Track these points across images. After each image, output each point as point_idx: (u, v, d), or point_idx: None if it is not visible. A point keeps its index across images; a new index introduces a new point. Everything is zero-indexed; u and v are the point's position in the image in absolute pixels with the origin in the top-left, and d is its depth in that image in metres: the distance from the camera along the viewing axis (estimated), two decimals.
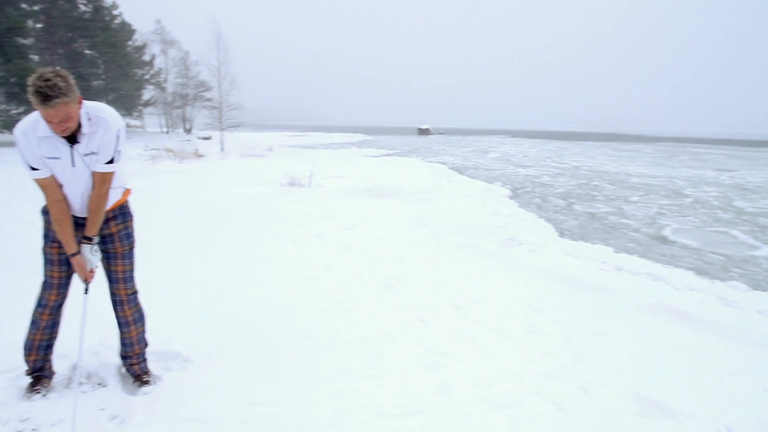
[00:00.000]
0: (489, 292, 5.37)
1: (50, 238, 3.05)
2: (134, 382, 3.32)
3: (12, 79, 28.42)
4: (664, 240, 9.58)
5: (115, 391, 3.24)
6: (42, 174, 2.81)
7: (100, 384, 3.33)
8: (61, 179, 2.87)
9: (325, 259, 6.34)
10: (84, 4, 41.04)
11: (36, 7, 35.78)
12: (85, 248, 2.98)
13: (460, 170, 20.93)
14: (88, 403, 3.07)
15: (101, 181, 2.91)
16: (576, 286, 5.91)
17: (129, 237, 3.22)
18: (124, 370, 3.42)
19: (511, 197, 13.78)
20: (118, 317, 3.30)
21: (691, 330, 4.70)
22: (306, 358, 3.73)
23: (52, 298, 3.13)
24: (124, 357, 3.38)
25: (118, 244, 3.17)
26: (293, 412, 3.03)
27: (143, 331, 3.40)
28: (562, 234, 9.55)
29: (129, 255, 3.24)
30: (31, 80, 2.53)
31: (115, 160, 2.89)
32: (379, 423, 2.96)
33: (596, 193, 15.64)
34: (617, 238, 9.54)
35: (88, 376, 3.39)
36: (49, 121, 2.62)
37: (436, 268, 6.17)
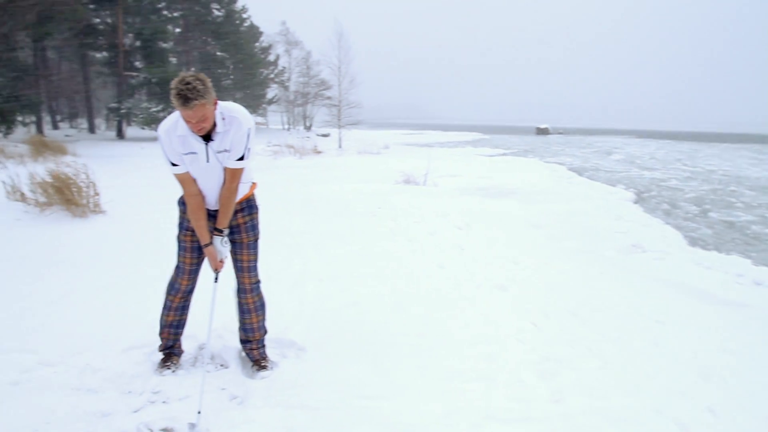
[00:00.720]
0: (608, 299, 5.13)
1: (184, 227, 3.32)
2: (253, 366, 3.51)
3: (153, 80, 30.82)
4: None
5: (236, 373, 3.44)
6: (180, 169, 3.06)
7: (222, 365, 3.56)
8: (196, 174, 3.10)
9: (438, 257, 6.34)
10: (217, 9, 43.74)
11: (176, 14, 38.60)
12: (216, 239, 3.20)
13: (580, 172, 20.11)
14: (211, 382, 3.28)
15: (232, 177, 3.11)
16: (706, 299, 5.50)
17: (254, 228, 3.42)
18: (244, 354, 3.62)
19: (635, 201, 13.04)
20: (240, 304, 3.50)
21: None
22: (416, 356, 3.76)
23: (184, 282, 3.40)
24: (244, 342, 3.58)
25: (244, 235, 3.37)
26: (402, 408, 3.06)
27: (263, 319, 3.58)
28: (692, 243, 8.89)
29: (254, 246, 3.43)
30: (173, 83, 2.76)
31: (245, 157, 3.08)
32: (488, 426, 2.93)
33: (734, 200, 14.36)
34: (760, 251, 8.66)
35: (212, 357, 3.63)
36: (187, 121, 2.84)
37: (551, 272, 5.99)
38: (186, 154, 3.02)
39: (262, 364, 3.51)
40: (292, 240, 6.89)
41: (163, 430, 2.79)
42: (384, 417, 2.97)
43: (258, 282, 3.52)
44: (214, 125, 2.96)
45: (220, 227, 3.20)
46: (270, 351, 3.65)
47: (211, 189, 3.18)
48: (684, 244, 8.57)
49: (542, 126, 75.21)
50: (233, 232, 3.36)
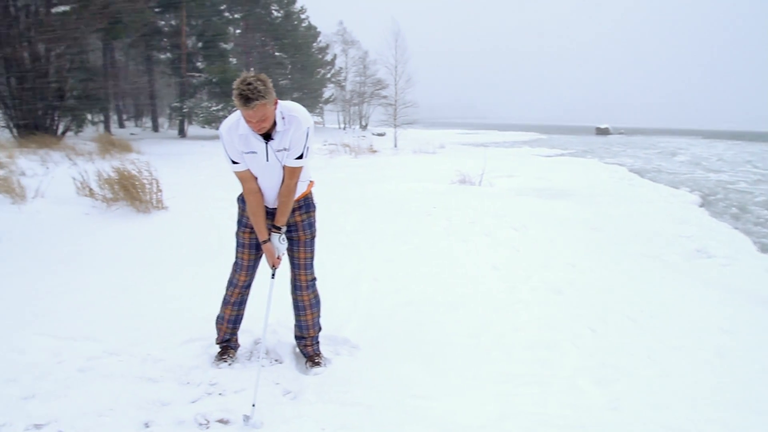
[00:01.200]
0: (670, 306, 4.94)
1: (243, 224, 3.40)
2: (307, 362, 3.55)
3: (214, 80, 31.65)
4: None
5: (290, 369, 3.49)
6: (240, 167, 3.13)
7: (276, 360, 3.62)
8: (256, 172, 3.16)
9: (493, 258, 6.26)
10: (276, 10, 44.54)
11: (236, 15, 39.52)
12: (274, 237, 3.26)
13: (641, 173, 19.48)
14: (266, 377, 3.34)
15: (290, 175, 3.16)
16: None
17: (311, 226, 3.46)
18: (298, 350, 3.67)
19: (701, 205, 12.52)
20: (296, 301, 3.54)
21: None
22: (470, 357, 3.72)
23: (241, 278, 3.48)
24: (299, 338, 3.63)
25: (301, 233, 3.41)
26: (454, 410, 3.04)
27: (318, 316, 3.61)
28: (763, 249, 8.41)
29: (311, 243, 3.47)
30: (236, 84, 2.83)
31: (304, 155, 3.14)
32: None
33: None
34: None
35: (267, 352, 3.69)
36: (248, 121, 2.91)
37: (610, 276, 5.83)
38: (247, 152, 3.09)
39: (316, 360, 3.54)
40: (347, 239, 6.94)
41: (218, 421, 2.86)
42: (436, 417, 2.96)
43: (314, 279, 3.56)
44: (274, 124, 3.02)
45: (279, 224, 3.25)
46: (324, 348, 3.69)
47: (270, 187, 3.24)
48: (754, 250, 8.16)
49: (602, 126, 73.25)
50: (291, 229, 3.41)
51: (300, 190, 3.33)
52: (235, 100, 2.84)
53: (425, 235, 7.31)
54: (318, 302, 3.61)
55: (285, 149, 3.10)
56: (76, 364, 3.40)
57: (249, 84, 2.80)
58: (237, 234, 3.45)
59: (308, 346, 3.60)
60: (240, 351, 3.68)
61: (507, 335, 4.12)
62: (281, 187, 3.22)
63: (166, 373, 3.34)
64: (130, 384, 3.18)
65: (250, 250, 3.43)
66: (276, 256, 3.29)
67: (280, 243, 3.28)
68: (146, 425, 2.80)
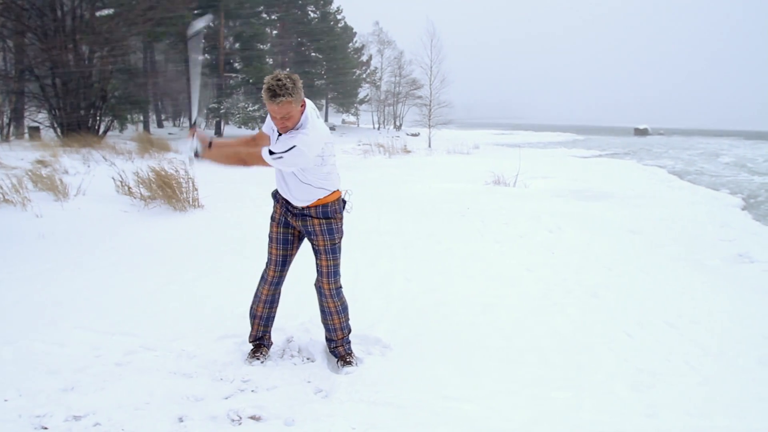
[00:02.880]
0: (710, 312, 4.80)
1: (273, 218, 3.46)
2: (338, 361, 3.55)
3: (250, 80, 32.07)
4: None
5: (321, 367, 3.50)
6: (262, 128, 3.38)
7: (308, 359, 3.64)
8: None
9: (527, 260, 6.19)
10: (313, 11, 44.89)
11: (274, 17, 39.97)
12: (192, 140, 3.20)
13: (681, 175, 19.02)
14: (297, 375, 3.36)
15: (254, 143, 3.42)
16: None
17: (332, 233, 3.38)
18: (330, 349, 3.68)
19: (743, 208, 12.16)
20: (322, 305, 3.54)
21: None
22: (503, 360, 3.68)
23: (271, 273, 3.51)
24: (328, 340, 3.63)
25: (320, 238, 3.38)
26: (486, 412, 3.01)
27: (346, 319, 3.59)
28: None
29: (332, 251, 3.41)
30: (266, 78, 2.91)
31: (281, 155, 3.02)
32: None
33: None
34: None
35: (299, 350, 3.72)
36: (273, 117, 2.99)
37: (648, 279, 5.70)
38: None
39: (347, 360, 3.55)
40: (380, 239, 6.94)
41: (251, 417, 2.89)
42: (468, 419, 2.94)
43: (339, 288, 3.52)
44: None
45: (212, 141, 3.21)
46: (355, 347, 3.69)
47: (284, 179, 3.30)
48: None
49: (641, 127, 71.81)
50: (309, 234, 3.41)
51: (315, 197, 3.28)
52: (263, 94, 2.91)
53: (458, 236, 7.27)
54: (345, 308, 3.58)
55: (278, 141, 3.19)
56: (113, 358, 3.48)
57: (279, 80, 2.86)
58: (270, 228, 3.51)
59: (339, 347, 3.60)
60: (272, 349, 3.71)
61: (541, 338, 4.07)
62: (248, 143, 3.45)
63: (200, 369, 3.39)
64: (165, 379, 3.24)
65: (278, 245, 3.45)
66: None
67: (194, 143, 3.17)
68: (180, 420, 2.84)
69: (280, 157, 3.02)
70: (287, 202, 3.36)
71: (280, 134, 3.12)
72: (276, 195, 3.44)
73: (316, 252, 3.45)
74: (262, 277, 3.57)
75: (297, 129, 3.06)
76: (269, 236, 3.49)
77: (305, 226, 3.37)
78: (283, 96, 2.86)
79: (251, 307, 3.63)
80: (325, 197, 3.32)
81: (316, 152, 3.10)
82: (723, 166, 23.81)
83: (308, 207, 3.30)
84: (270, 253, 3.50)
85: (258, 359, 3.52)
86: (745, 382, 3.53)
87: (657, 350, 3.93)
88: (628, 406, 3.15)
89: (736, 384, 3.49)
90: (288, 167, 3.12)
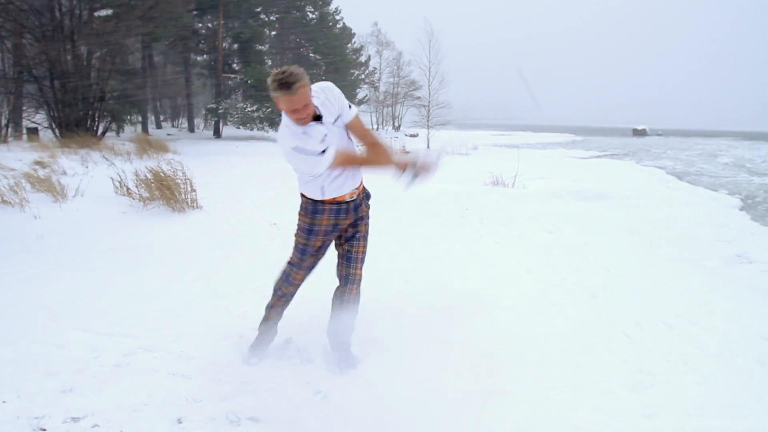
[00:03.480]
0: (708, 312, 4.80)
1: (316, 232, 3.34)
2: (340, 361, 3.55)
3: (249, 81, 32.06)
4: None
5: (320, 368, 3.50)
6: (326, 153, 2.99)
7: (307, 360, 3.63)
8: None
9: (526, 261, 6.19)
10: (311, 12, 44.90)
11: (272, 17, 39.99)
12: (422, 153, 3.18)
13: (680, 176, 19.03)
14: (297, 376, 3.37)
15: (362, 130, 3.22)
16: None
17: (368, 217, 3.48)
18: (329, 349, 3.68)
19: (742, 208, 12.17)
20: (344, 294, 3.50)
21: None
22: (502, 360, 3.68)
23: (299, 278, 3.47)
24: (332, 336, 3.61)
25: (364, 225, 3.44)
26: (485, 413, 3.01)
27: (356, 313, 3.59)
28: None
29: (367, 236, 3.49)
30: (271, 79, 2.83)
31: (352, 105, 3.15)
32: None
33: None
34: None
35: (298, 351, 3.71)
36: (293, 111, 2.86)
37: (646, 280, 5.70)
38: (321, 142, 3.01)
39: (349, 360, 3.56)
40: (378, 239, 6.90)
41: (249, 419, 2.89)
42: (468, 421, 2.94)
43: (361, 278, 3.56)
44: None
45: (393, 158, 3.16)
46: (353, 349, 3.68)
47: (343, 172, 3.21)
48: None
49: (639, 127, 71.83)
50: (357, 223, 3.40)
51: (360, 180, 3.35)
52: (277, 92, 2.81)
53: (457, 237, 7.27)
54: (359, 299, 3.60)
55: (339, 116, 3.10)
56: (112, 360, 3.47)
57: (284, 72, 2.81)
58: (306, 242, 3.35)
59: (341, 343, 3.60)
60: (271, 350, 3.71)
61: (539, 339, 4.07)
62: (365, 142, 3.24)
63: (198, 370, 3.38)
64: (163, 380, 3.24)
65: (315, 256, 3.41)
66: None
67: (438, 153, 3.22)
68: (179, 421, 2.84)
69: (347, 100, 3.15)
70: (338, 203, 3.24)
71: (315, 118, 3.03)
72: (318, 207, 3.26)
73: (356, 240, 3.42)
74: (287, 279, 3.48)
75: (315, 95, 3.01)
76: (306, 248, 3.36)
77: (357, 218, 3.38)
78: (298, 82, 2.80)
79: (271, 299, 3.60)
80: (362, 179, 3.40)
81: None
82: (722, 167, 23.82)
83: (357, 191, 3.32)
84: (303, 260, 3.39)
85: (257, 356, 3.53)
86: (744, 382, 3.53)
87: (656, 350, 3.93)
88: (626, 406, 3.16)
89: (734, 384, 3.48)
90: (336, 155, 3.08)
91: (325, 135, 3.01)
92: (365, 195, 3.45)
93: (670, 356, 3.85)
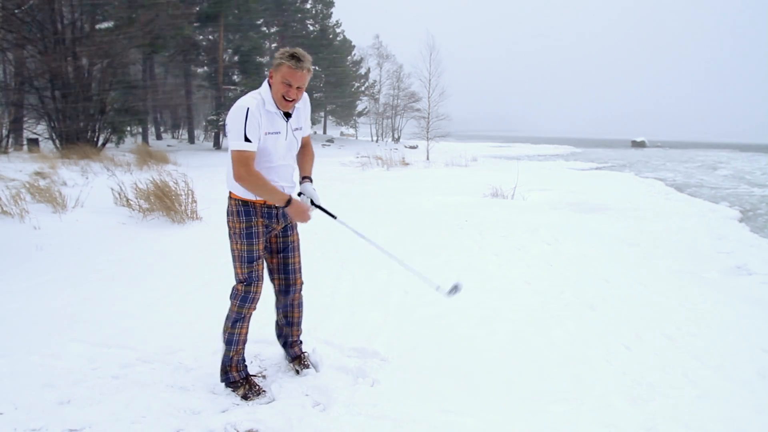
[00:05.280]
0: (708, 324, 4.80)
1: (253, 236, 3.27)
2: (294, 363, 3.61)
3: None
4: None
5: (319, 380, 3.48)
6: (252, 147, 3.01)
7: (305, 371, 3.62)
8: (273, 153, 3.14)
9: (525, 273, 6.19)
10: (312, 25, 45.19)
11: (273, 30, 40.22)
12: (308, 185, 3.32)
13: (680, 188, 19.05)
14: (295, 388, 3.35)
15: (309, 142, 3.48)
16: None
17: (297, 226, 3.53)
18: (287, 355, 3.69)
19: (741, 220, 12.18)
20: (290, 302, 3.57)
21: None
22: (501, 372, 3.67)
23: (259, 289, 3.35)
24: (289, 340, 3.66)
25: (295, 233, 3.51)
26: (484, 426, 3.00)
27: (302, 316, 3.68)
28: None
29: (299, 246, 3.56)
30: (283, 50, 3.01)
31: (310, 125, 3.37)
32: None
33: None
34: None
35: (295, 363, 3.70)
36: (289, 86, 2.98)
37: (645, 292, 5.70)
38: (271, 133, 3.08)
39: (305, 362, 3.60)
40: (377, 251, 6.92)
41: (248, 431, 2.87)
42: None
43: (303, 282, 3.63)
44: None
45: (308, 174, 3.38)
46: (353, 361, 3.69)
47: (285, 165, 3.27)
48: None
49: (638, 139, 72.03)
50: (286, 232, 3.43)
51: (293, 190, 3.39)
52: (284, 60, 2.94)
53: (456, 249, 7.27)
54: (302, 303, 3.68)
55: (299, 128, 3.25)
56: (110, 371, 3.47)
57: (297, 50, 2.96)
58: (246, 249, 3.22)
59: (295, 346, 3.66)
60: (269, 362, 3.70)
61: (539, 351, 4.06)
62: (306, 152, 3.45)
63: (197, 382, 3.38)
64: (162, 392, 3.23)
65: (262, 261, 3.36)
66: (307, 208, 3.22)
67: (314, 190, 3.32)
68: None
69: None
70: (269, 207, 3.23)
71: (285, 114, 3.13)
72: (250, 209, 3.22)
73: (290, 250, 3.46)
74: (246, 299, 3.26)
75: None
76: (251, 256, 3.23)
77: (287, 225, 3.41)
78: (306, 62, 2.98)
79: (230, 334, 3.32)
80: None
81: None
82: (722, 179, 23.85)
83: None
84: (255, 270, 3.25)
85: (257, 393, 3.30)
86: (744, 395, 3.52)
87: (655, 363, 3.92)
88: (626, 419, 3.14)
89: (735, 397, 3.47)
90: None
91: (278, 135, 3.12)
92: None
93: (669, 369, 3.84)
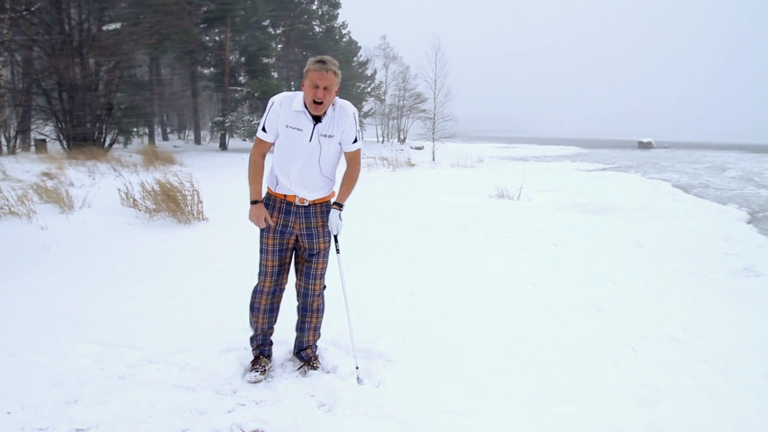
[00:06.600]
0: (715, 326, 4.78)
1: (267, 230, 3.45)
2: (304, 366, 3.62)
3: (256, 94, 32.23)
4: None
5: (325, 380, 3.48)
6: (268, 138, 3.36)
7: (311, 372, 3.62)
8: (294, 150, 3.29)
9: (531, 274, 6.18)
10: (318, 25, 45.23)
11: (279, 31, 40.28)
12: (334, 213, 3.42)
13: (687, 189, 18.95)
14: (301, 388, 3.35)
15: (353, 161, 3.50)
16: None
17: (329, 235, 3.52)
18: (295, 356, 3.76)
19: (749, 221, 12.11)
20: (306, 305, 3.63)
21: None
22: (507, 373, 3.66)
23: (267, 285, 3.53)
24: (300, 343, 3.72)
25: (321, 240, 3.48)
26: (489, 427, 2.99)
27: (321, 321, 3.73)
28: None
29: (327, 253, 3.56)
30: (312, 58, 3.24)
31: (358, 139, 3.42)
32: None
33: None
34: None
35: (302, 363, 3.71)
36: (315, 86, 3.13)
37: (652, 293, 5.68)
38: (293, 128, 3.26)
39: (314, 364, 3.62)
40: (383, 252, 6.94)
41: (254, 431, 2.88)
42: None
43: (324, 287, 3.66)
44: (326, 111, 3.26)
45: (341, 202, 3.46)
46: (358, 361, 3.68)
47: (299, 167, 3.31)
48: None
49: (645, 140, 71.74)
50: (310, 237, 3.44)
51: (328, 189, 3.47)
52: (312, 65, 3.15)
53: (462, 250, 7.26)
54: (324, 308, 3.71)
55: (330, 136, 3.30)
56: (117, 371, 3.47)
57: (324, 56, 3.20)
58: (261, 240, 3.51)
59: (308, 348, 3.70)
60: (275, 362, 3.71)
61: (545, 352, 4.05)
62: (346, 171, 3.52)
63: (203, 382, 3.38)
64: (168, 392, 3.24)
65: (273, 256, 3.47)
66: (335, 233, 3.46)
67: (339, 220, 3.43)
68: None
69: (358, 130, 3.47)
70: (288, 204, 3.37)
71: (314, 118, 3.26)
72: (268, 202, 3.45)
73: (311, 255, 3.49)
74: (255, 289, 3.61)
75: (333, 105, 3.31)
76: (262, 248, 3.50)
77: (308, 229, 3.41)
78: (332, 66, 3.15)
79: (250, 319, 3.66)
80: (329, 193, 3.50)
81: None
82: (729, 180, 23.73)
83: (314, 203, 3.40)
84: (264, 265, 3.52)
85: (257, 371, 3.50)
86: (751, 397, 3.50)
87: (662, 365, 3.91)
88: (632, 421, 3.13)
89: (742, 399, 3.46)
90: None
91: (299, 132, 3.26)
92: (322, 211, 3.47)
93: (676, 370, 3.82)
